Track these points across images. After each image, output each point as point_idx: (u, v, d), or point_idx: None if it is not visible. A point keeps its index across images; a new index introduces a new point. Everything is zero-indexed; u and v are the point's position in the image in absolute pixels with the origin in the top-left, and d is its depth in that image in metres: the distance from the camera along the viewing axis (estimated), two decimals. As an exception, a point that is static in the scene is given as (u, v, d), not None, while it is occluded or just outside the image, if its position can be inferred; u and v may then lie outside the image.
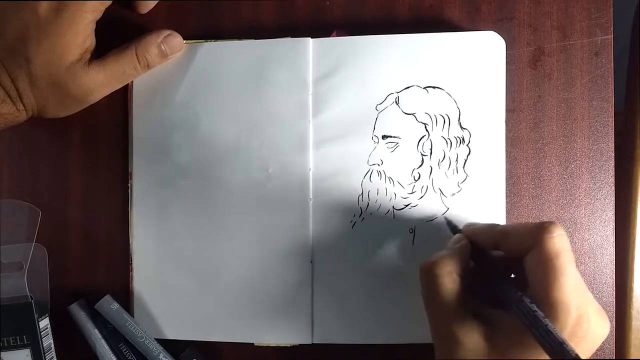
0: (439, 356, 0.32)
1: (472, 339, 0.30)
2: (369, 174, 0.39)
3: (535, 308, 0.29)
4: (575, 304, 0.29)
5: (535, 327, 0.28)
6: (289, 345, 0.40)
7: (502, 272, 0.32)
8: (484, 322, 0.31)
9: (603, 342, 0.39)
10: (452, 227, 0.37)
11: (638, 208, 0.51)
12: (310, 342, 0.40)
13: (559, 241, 0.29)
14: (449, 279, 0.31)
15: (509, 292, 0.30)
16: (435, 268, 0.31)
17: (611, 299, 0.40)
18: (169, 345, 0.40)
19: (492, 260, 0.33)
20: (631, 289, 0.51)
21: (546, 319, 0.28)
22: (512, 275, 0.33)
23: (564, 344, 0.27)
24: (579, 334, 0.29)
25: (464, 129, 0.39)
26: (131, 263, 0.41)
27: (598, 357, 0.40)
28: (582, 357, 0.25)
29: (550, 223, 0.30)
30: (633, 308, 0.51)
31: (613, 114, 0.40)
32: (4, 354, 0.39)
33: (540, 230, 0.30)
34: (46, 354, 0.40)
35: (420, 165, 0.39)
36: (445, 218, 0.38)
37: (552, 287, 0.29)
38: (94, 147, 0.42)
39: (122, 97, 0.41)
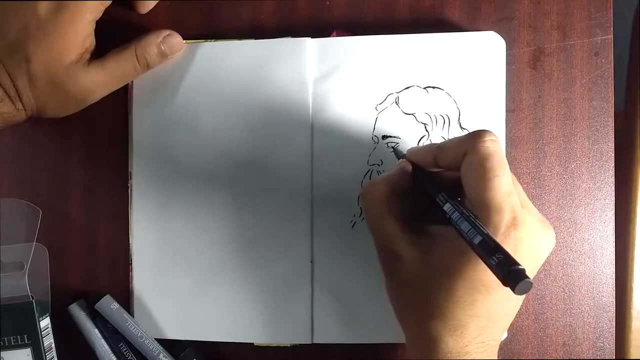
0: (383, 271, 0.34)
1: (410, 252, 0.31)
2: (369, 174, 0.39)
3: (464, 211, 0.29)
4: (509, 206, 0.29)
5: (460, 227, 0.28)
6: (288, 345, 0.40)
7: (438, 184, 0.32)
8: (425, 237, 0.32)
9: (603, 342, 0.39)
10: (397, 153, 0.38)
11: (638, 208, 0.51)
12: (310, 342, 0.40)
13: (491, 144, 0.29)
14: (386, 198, 0.32)
15: (442, 200, 0.30)
16: (372, 189, 0.33)
17: (611, 299, 0.40)
18: (169, 345, 0.41)
19: (429, 175, 0.33)
20: (631, 289, 0.51)
21: (473, 219, 0.28)
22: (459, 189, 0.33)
23: (487, 239, 0.26)
24: (513, 235, 0.29)
25: (464, 129, 0.39)
26: (131, 263, 0.41)
27: (598, 357, 0.40)
28: (523, 265, 0.25)
29: (483, 130, 0.30)
30: (633, 308, 0.51)
31: (613, 114, 0.40)
32: (5, 354, 0.39)
33: (472, 138, 0.30)
34: (47, 354, 0.40)
35: (420, 165, 0.39)
36: (393, 148, 0.39)
37: (483, 189, 0.29)
38: (94, 147, 0.42)
39: (122, 97, 0.41)
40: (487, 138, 0.30)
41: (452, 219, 0.29)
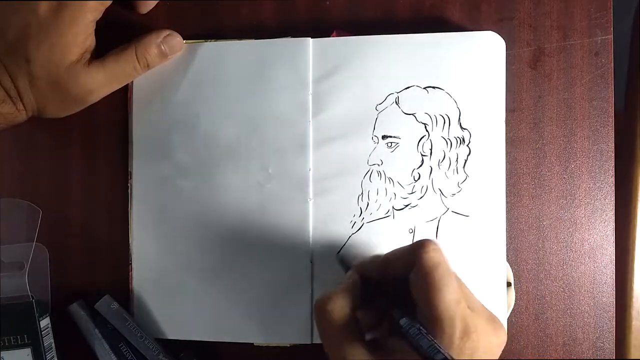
0: None
1: None
2: (369, 174, 0.39)
3: (419, 326, 0.29)
4: (460, 316, 0.29)
5: (418, 346, 0.29)
6: (288, 345, 0.40)
7: (391, 299, 0.33)
8: (382, 353, 0.31)
9: (603, 342, 0.39)
10: (344, 264, 0.37)
11: (638, 208, 0.51)
12: (310, 342, 0.40)
13: (434, 255, 0.30)
14: (340, 313, 0.31)
15: (397, 316, 0.31)
16: (326, 304, 0.32)
17: (611, 299, 0.40)
18: (169, 345, 0.41)
19: (382, 290, 0.33)
20: (631, 289, 0.51)
21: (429, 336, 0.29)
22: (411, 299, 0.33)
23: (447, 358, 0.27)
24: (468, 345, 0.29)
25: (464, 129, 0.39)
26: (131, 263, 0.41)
27: (598, 357, 0.40)
28: None
29: (425, 240, 0.31)
30: (633, 308, 0.51)
31: (613, 114, 0.40)
32: (5, 353, 0.39)
33: (416, 249, 0.31)
34: (47, 354, 0.40)
35: (420, 166, 0.39)
36: (338, 257, 0.38)
37: (432, 301, 0.29)
38: (94, 147, 0.42)
39: (122, 97, 0.41)
40: (430, 248, 0.30)
41: (409, 334, 0.30)
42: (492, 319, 0.31)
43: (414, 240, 0.39)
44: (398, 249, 0.33)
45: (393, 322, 0.31)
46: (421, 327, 0.29)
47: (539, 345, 0.40)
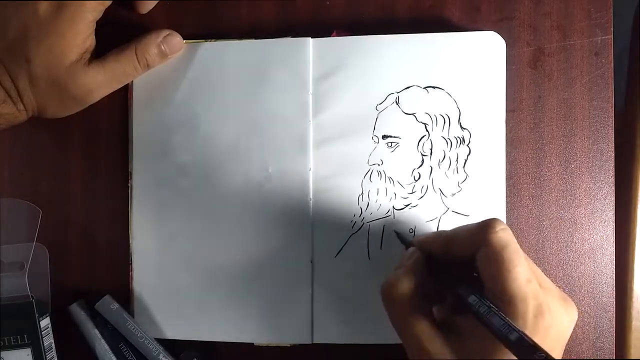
0: None
1: (443, 353, 0.30)
2: (369, 174, 0.39)
3: (489, 304, 0.29)
4: (532, 294, 0.29)
5: (491, 324, 0.28)
6: (288, 345, 0.40)
7: (457, 276, 0.32)
8: (451, 331, 0.31)
9: (603, 342, 0.39)
10: (403, 240, 0.37)
11: (638, 208, 0.51)
12: (310, 342, 0.40)
13: (503, 235, 0.30)
14: (410, 296, 0.31)
15: (465, 294, 0.30)
16: (393, 290, 0.32)
17: (611, 299, 0.40)
18: (169, 345, 0.41)
19: (445, 268, 0.33)
20: (631, 289, 0.51)
21: (501, 314, 0.28)
22: (475, 275, 0.33)
23: (523, 336, 0.26)
24: (542, 324, 0.29)
25: (464, 129, 0.39)
26: (131, 263, 0.41)
27: (598, 357, 0.40)
28: (553, 349, 0.25)
29: (492, 219, 0.30)
30: (633, 308, 0.51)
31: (613, 114, 0.40)
32: (5, 353, 0.39)
33: (483, 228, 0.30)
34: (47, 354, 0.40)
35: (421, 165, 0.39)
36: (395, 232, 0.38)
37: (504, 281, 0.29)
38: (94, 147, 0.42)
39: (122, 97, 0.41)
40: (499, 228, 0.30)
41: (479, 313, 0.29)
42: (564, 298, 0.31)
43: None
44: (462, 227, 0.33)
45: (460, 301, 0.31)
46: (492, 305, 0.29)
47: (539, 345, 0.40)
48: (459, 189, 0.39)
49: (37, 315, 0.39)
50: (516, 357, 0.27)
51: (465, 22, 0.40)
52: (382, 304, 0.33)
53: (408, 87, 0.39)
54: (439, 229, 0.35)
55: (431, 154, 0.39)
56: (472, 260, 0.31)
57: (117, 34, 0.39)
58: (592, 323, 0.40)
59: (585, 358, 0.40)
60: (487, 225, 0.30)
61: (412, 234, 0.39)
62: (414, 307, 0.31)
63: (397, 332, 0.33)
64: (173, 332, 0.41)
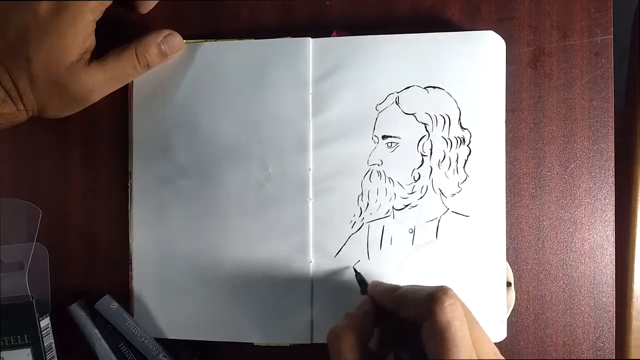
0: None
1: None
2: (369, 174, 0.39)
3: None
4: None
5: None
6: (288, 345, 0.40)
7: (401, 338, 0.32)
8: None
9: (603, 342, 0.39)
10: (360, 282, 0.37)
11: (638, 208, 0.51)
12: (310, 342, 0.40)
13: (450, 311, 0.29)
14: (350, 351, 0.31)
15: (404, 358, 0.31)
16: (336, 342, 0.32)
17: (611, 299, 0.40)
18: (169, 345, 0.41)
19: (393, 325, 0.33)
20: (631, 289, 0.51)
21: None
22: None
23: None
24: None
25: (464, 129, 0.39)
26: (131, 263, 0.41)
27: (598, 357, 0.40)
28: None
29: (442, 291, 0.30)
30: (633, 308, 0.51)
31: (613, 114, 0.40)
32: (5, 353, 0.39)
33: (431, 301, 0.30)
34: (47, 354, 0.40)
35: (420, 166, 0.39)
36: (354, 269, 0.39)
37: (444, 357, 0.29)
38: (94, 147, 0.42)
39: (122, 97, 0.41)
40: (447, 304, 0.29)
41: None
42: None
43: (414, 241, 0.39)
44: (414, 289, 0.32)
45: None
46: None
47: (539, 345, 0.40)
48: (459, 189, 0.39)
49: (37, 315, 0.39)
50: None
51: (465, 22, 0.40)
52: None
53: (408, 87, 0.39)
54: (394, 283, 0.35)
55: (431, 154, 0.39)
56: (419, 326, 0.31)
57: (117, 34, 0.39)
58: (592, 323, 0.40)
59: (585, 358, 0.40)
60: (434, 298, 0.30)
61: (412, 234, 0.39)
62: (360, 354, 0.31)
63: None
64: (173, 332, 0.41)
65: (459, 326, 0.29)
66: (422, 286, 0.32)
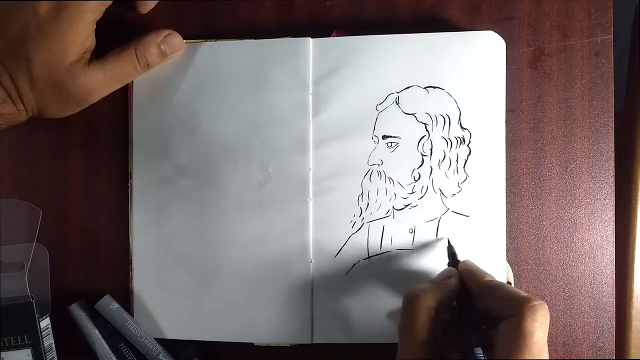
0: None
1: None
2: (369, 174, 0.39)
3: None
4: None
5: None
6: (288, 345, 0.40)
7: (475, 322, 0.33)
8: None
9: (603, 342, 0.39)
10: (450, 255, 0.38)
11: (638, 208, 0.51)
12: (310, 342, 0.40)
13: (541, 322, 0.29)
14: (427, 313, 0.32)
15: (475, 340, 0.31)
16: (417, 300, 0.32)
17: (611, 299, 0.40)
18: (169, 345, 0.41)
19: (471, 308, 0.33)
20: (631, 289, 0.51)
21: None
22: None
23: None
24: None
25: (465, 129, 0.39)
26: (131, 263, 0.41)
27: (598, 357, 0.40)
28: None
29: (541, 302, 0.30)
30: (633, 308, 0.51)
31: (613, 114, 0.40)
32: (5, 354, 0.39)
33: (527, 302, 0.30)
34: (47, 354, 0.40)
35: (421, 166, 0.39)
36: (448, 241, 0.38)
37: None
38: (94, 147, 0.42)
39: (122, 97, 0.41)
40: (540, 314, 0.30)
41: None
42: None
43: (414, 241, 0.39)
44: (508, 288, 0.32)
45: (467, 341, 0.32)
46: None
47: (539, 345, 0.40)
48: (459, 189, 0.39)
49: (37, 316, 0.39)
50: None
51: (465, 22, 0.40)
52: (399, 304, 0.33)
53: (408, 87, 0.39)
54: (488, 273, 0.35)
55: (431, 154, 0.39)
56: (495, 317, 0.31)
57: (117, 34, 0.39)
58: (592, 323, 0.40)
59: (585, 358, 0.40)
60: (531, 302, 0.30)
61: (412, 234, 0.39)
62: (427, 329, 0.31)
63: (399, 339, 0.33)
64: (173, 332, 0.41)
65: (542, 338, 0.30)
66: (516, 289, 0.32)
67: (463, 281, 0.35)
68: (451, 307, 0.34)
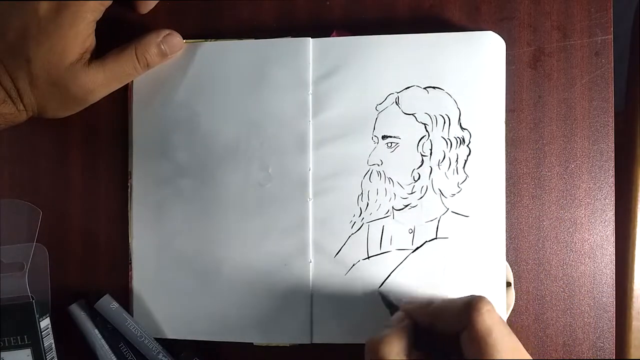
0: None
1: None
2: (368, 174, 0.39)
3: None
4: None
5: None
6: (288, 345, 0.40)
7: (441, 351, 0.32)
8: None
9: (603, 342, 0.39)
10: (387, 303, 0.37)
11: (638, 208, 0.51)
12: (310, 342, 0.40)
13: (488, 317, 0.29)
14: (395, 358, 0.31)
15: None
16: (382, 348, 0.31)
17: (611, 299, 0.40)
18: (169, 345, 0.41)
19: (430, 338, 0.33)
20: (631, 289, 0.51)
21: None
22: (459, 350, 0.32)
23: None
24: None
25: (464, 129, 0.39)
26: (131, 262, 0.41)
27: (598, 357, 0.40)
28: None
29: (478, 299, 0.30)
30: (633, 308, 0.51)
31: (613, 114, 0.40)
32: (5, 354, 0.39)
33: (468, 308, 0.30)
34: (47, 354, 0.40)
35: (420, 166, 0.39)
36: (380, 293, 0.38)
37: None
38: (94, 147, 0.42)
39: (122, 97, 0.41)
40: (484, 309, 0.29)
41: None
42: None
43: (414, 241, 0.39)
44: (449, 302, 0.32)
45: None
46: None
47: (539, 345, 0.40)
48: (459, 189, 0.39)
49: (37, 316, 0.39)
50: None
51: (465, 22, 0.40)
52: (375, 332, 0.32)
53: (408, 87, 0.39)
54: (427, 297, 0.35)
55: (431, 154, 0.39)
56: (457, 337, 0.31)
57: (117, 34, 0.39)
58: (592, 323, 0.40)
59: (585, 358, 0.40)
60: (472, 306, 0.30)
61: (412, 234, 0.39)
62: None
63: None
64: (173, 332, 0.41)
65: (500, 331, 0.29)
66: (455, 298, 0.32)
67: (413, 320, 0.34)
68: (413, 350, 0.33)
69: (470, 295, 0.31)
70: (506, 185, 0.39)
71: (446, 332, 0.32)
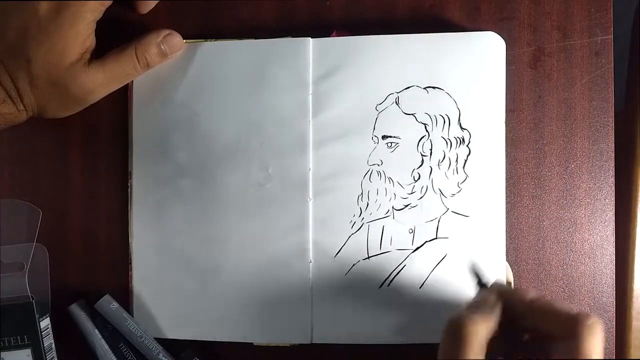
0: None
1: None
2: (368, 174, 0.39)
3: None
4: None
5: None
6: (288, 345, 0.40)
7: (527, 345, 0.32)
8: None
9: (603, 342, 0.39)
10: (478, 277, 0.35)
11: (638, 208, 0.51)
12: (310, 342, 0.40)
13: (599, 340, 0.29)
14: (479, 343, 0.29)
15: None
16: (469, 326, 0.29)
17: (611, 299, 0.40)
18: (169, 345, 0.41)
19: (519, 332, 0.32)
20: (631, 289, 0.51)
21: None
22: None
23: None
24: None
25: (464, 129, 0.39)
26: (131, 262, 0.41)
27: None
28: None
29: (594, 321, 0.29)
30: (633, 308, 0.51)
31: (613, 114, 0.40)
32: (5, 354, 0.39)
33: (581, 323, 0.29)
34: (47, 354, 0.40)
35: (420, 166, 0.39)
36: (474, 266, 0.36)
37: None
38: (94, 147, 0.42)
39: (122, 97, 0.41)
40: (598, 333, 0.29)
41: None
42: None
43: (414, 241, 0.39)
44: (558, 307, 0.31)
45: None
46: None
47: (539, 345, 0.40)
48: (459, 189, 0.39)
49: (37, 316, 0.39)
50: None
51: (465, 22, 0.40)
52: (445, 334, 0.31)
53: (408, 87, 0.39)
54: (527, 290, 0.33)
55: (431, 154, 0.39)
56: (546, 338, 0.30)
57: (117, 34, 0.39)
58: (592, 323, 0.40)
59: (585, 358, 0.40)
60: (586, 325, 0.29)
61: (412, 234, 0.39)
62: (482, 354, 0.29)
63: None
64: (173, 332, 0.41)
65: (599, 355, 0.29)
66: (563, 304, 0.31)
67: (505, 304, 0.32)
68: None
69: (585, 313, 0.30)
70: (506, 185, 0.39)
71: (536, 329, 0.31)
